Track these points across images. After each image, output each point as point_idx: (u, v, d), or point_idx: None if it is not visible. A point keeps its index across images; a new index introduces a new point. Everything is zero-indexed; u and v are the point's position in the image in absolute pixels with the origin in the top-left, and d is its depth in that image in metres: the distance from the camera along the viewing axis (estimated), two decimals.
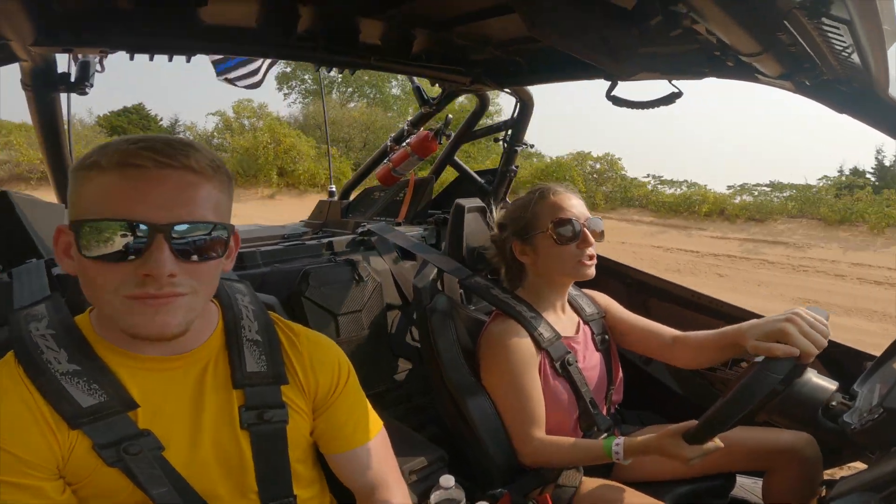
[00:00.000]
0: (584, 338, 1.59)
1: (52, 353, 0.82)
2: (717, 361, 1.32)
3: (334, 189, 3.36)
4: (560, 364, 1.48)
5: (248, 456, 0.91)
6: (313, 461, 1.05)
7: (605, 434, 1.52)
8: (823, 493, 1.33)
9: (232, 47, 1.68)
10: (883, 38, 0.86)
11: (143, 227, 0.75)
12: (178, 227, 0.76)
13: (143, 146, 0.77)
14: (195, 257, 0.79)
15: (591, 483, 1.41)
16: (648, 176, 16.06)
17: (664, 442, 1.25)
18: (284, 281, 1.97)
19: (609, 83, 1.62)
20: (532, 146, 2.67)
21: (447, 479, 1.04)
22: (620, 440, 1.32)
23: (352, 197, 3.22)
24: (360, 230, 2.38)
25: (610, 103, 1.62)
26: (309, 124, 23.73)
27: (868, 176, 17.11)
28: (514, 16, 1.47)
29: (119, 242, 0.75)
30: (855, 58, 0.95)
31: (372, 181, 3.10)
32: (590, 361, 1.56)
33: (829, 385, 1.14)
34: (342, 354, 1.05)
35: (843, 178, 15.86)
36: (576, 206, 1.51)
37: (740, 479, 1.59)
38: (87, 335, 0.86)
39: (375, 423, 1.06)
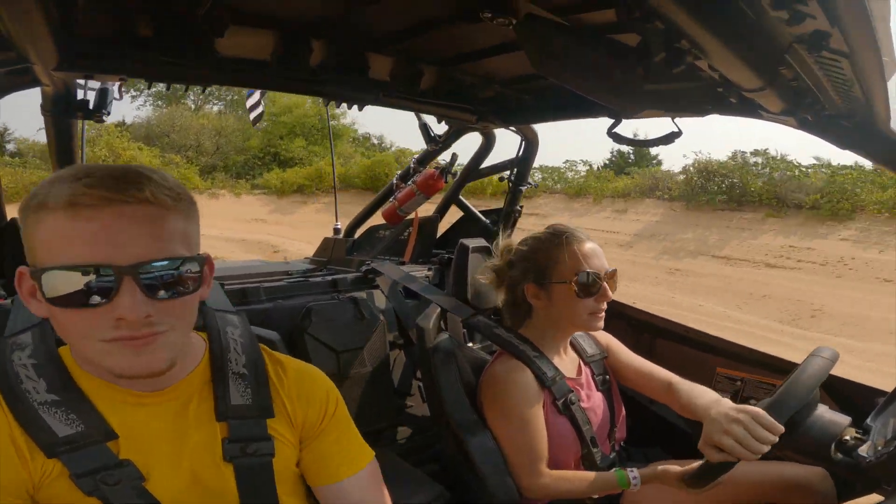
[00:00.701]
0: (585, 378, 1.58)
1: (31, 382, 0.80)
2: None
3: (339, 226, 3.37)
4: (563, 403, 1.46)
5: (232, 490, 0.88)
6: (303, 493, 1.01)
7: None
8: None
9: (245, 79, 1.73)
10: (883, 71, 0.88)
11: (107, 270, 0.71)
12: (144, 267, 0.72)
13: (91, 182, 0.72)
14: (168, 294, 0.75)
15: None
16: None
17: (670, 483, 1.27)
18: (287, 317, 1.97)
19: (612, 121, 1.65)
20: (536, 185, 2.69)
21: None
22: (635, 470, 1.31)
23: (357, 235, 3.23)
24: (364, 268, 2.39)
25: None
26: (154, 133, 23.44)
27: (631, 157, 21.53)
28: (520, 53, 1.51)
29: (85, 288, 0.70)
30: (856, 91, 0.97)
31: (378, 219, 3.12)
32: (592, 401, 1.55)
33: (842, 420, 1.13)
34: (331, 385, 1.02)
35: (613, 160, 21.09)
36: (597, 256, 1.49)
37: None
38: (71, 367, 0.84)
39: (365, 455, 1.02)
